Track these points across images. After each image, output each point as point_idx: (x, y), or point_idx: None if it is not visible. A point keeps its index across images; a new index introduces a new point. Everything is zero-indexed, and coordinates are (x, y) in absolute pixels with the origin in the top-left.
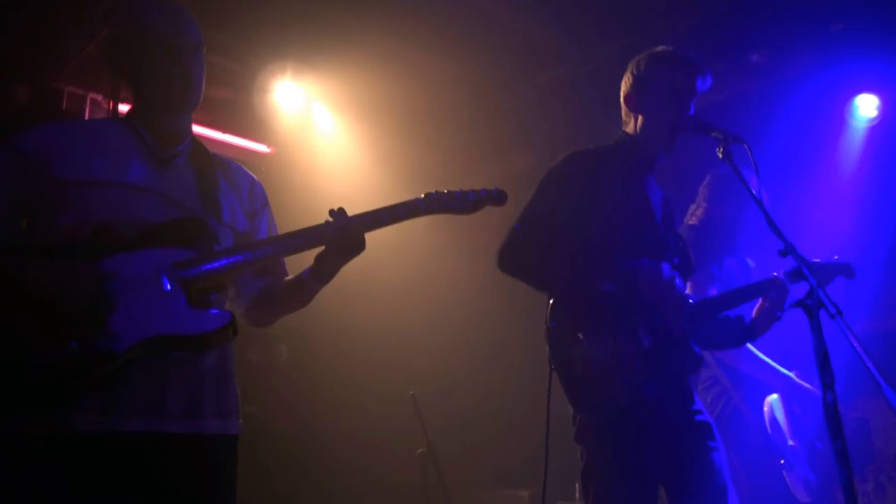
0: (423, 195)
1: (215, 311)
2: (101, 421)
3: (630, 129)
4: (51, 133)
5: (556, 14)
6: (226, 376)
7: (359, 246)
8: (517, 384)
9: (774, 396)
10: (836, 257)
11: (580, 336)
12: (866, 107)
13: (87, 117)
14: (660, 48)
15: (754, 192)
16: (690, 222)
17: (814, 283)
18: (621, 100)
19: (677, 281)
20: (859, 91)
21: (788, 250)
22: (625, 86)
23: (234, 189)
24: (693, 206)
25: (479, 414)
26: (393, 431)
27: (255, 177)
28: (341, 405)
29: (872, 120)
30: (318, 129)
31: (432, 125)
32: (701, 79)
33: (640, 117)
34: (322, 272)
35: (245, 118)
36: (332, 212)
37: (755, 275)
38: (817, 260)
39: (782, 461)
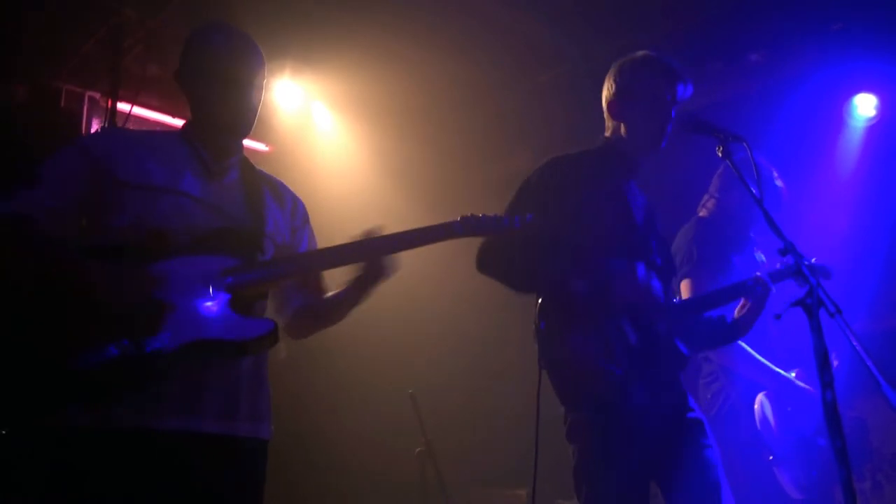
0: (459, 218)
1: (258, 319)
2: (140, 418)
3: (611, 134)
4: (116, 137)
5: (556, 14)
6: (260, 381)
7: (388, 272)
8: (515, 383)
9: (765, 393)
10: (813, 259)
11: (567, 334)
12: (865, 106)
13: (84, 116)
14: (641, 54)
15: (754, 190)
16: (701, 214)
17: (813, 282)
18: (603, 105)
19: (654, 282)
20: (858, 91)
21: (788, 249)
22: (607, 92)
23: (278, 204)
24: (705, 198)
25: (477, 412)
26: (391, 430)
27: (297, 195)
28: (339, 404)
29: (871, 119)
30: (317, 128)
31: (431, 124)
32: (682, 86)
33: (621, 124)
34: (355, 296)
35: None
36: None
37: (766, 269)
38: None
39: (770, 457)
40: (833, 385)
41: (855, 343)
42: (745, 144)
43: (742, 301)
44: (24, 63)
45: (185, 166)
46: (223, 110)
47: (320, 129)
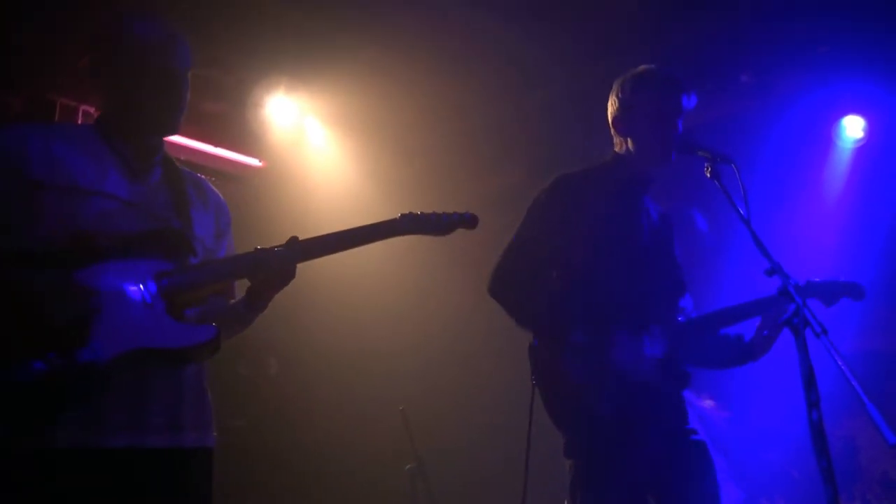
0: (399, 215)
1: (198, 326)
2: (82, 436)
3: (620, 149)
4: (32, 133)
5: (545, 34)
6: (201, 389)
7: (286, 279)
8: (507, 399)
9: None
10: (840, 279)
11: (561, 353)
12: (853, 128)
13: None
14: (642, 68)
15: (742, 212)
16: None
17: (799, 302)
18: (609, 122)
19: (655, 346)
20: (846, 112)
21: (775, 270)
22: (611, 108)
23: (204, 205)
24: None
25: (468, 428)
26: (382, 446)
27: (221, 196)
28: (330, 419)
29: (859, 141)
30: (310, 144)
31: (422, 141)
32: (686, 96)
33: (629, 139)
34: (259, 304)
35: (238, 132)
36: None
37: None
38: (817, 280)
39: None
40: (819, 404)
41: (841, 363)
42: (733, 166)
43: (760, 321)
44: (19, 75)
45: (108, 166)
46: (153, 108)
47: (314, 144)
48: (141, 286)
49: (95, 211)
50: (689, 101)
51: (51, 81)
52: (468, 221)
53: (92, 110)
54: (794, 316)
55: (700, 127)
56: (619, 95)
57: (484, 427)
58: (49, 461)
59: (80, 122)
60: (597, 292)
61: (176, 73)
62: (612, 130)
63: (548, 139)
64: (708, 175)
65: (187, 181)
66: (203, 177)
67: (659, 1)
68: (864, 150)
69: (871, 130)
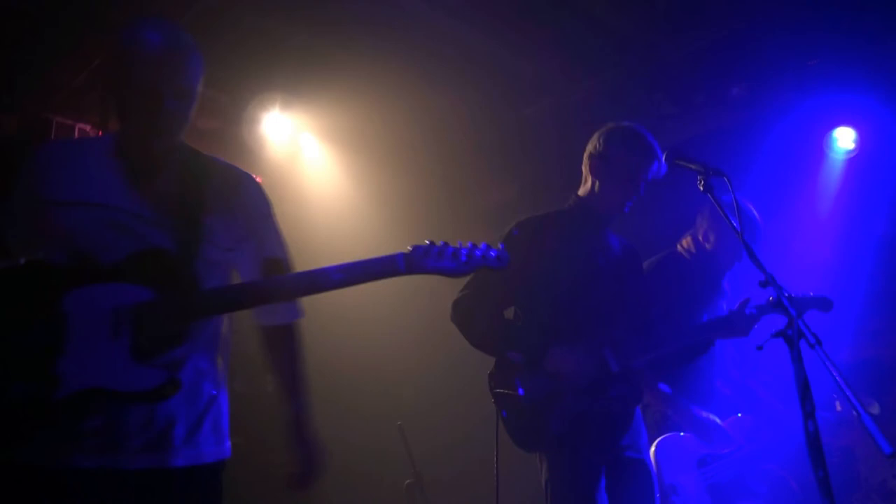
0: (409, 247)
1: (151, 369)
2: (56, 457)
3: (584, 190)
4: (42, 153)
5: (540, 48)
6: (201, 397)
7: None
8: None
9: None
10: (811, 293)
11: (516, 378)
12: (844, 139)
13: None
14: (629, 127)
15: (735, 224)
16: (679, 251)
17: (793, 313)
18: (585, 156)
19: (603, 353)
20: (837, 124)
21: (769, 281)
22: (591, 147)
23: (226, 204)
24: (698, 232)
25: (467, 444)
26: (380, 462)
27: (256, 188)
28: (328, 435)
29: (850, 152)
30: (305, 160)
31: (418, 155)
32: (657, 165)
33: (596, 182)
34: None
35: (233, 148)
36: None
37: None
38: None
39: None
40: (815, 415)
41: (835, 374)
42: (725, 179)
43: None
44: (14, 94)
45: (114, 175)
46: (137, 117)
47: (309, 160)
48: (114, 317)
49: (92, 225)
50: (660, 171)
51: (46, 100)
52: (495, 261)
53: (88, 128)
54: (788, 327)
55: (692, 140)
56: (601, 142)
57: (482, 442)
58: (23, 478)
59: None
60: (544, 321)
61: (157, 85)
62: (585, 165)
63: (541, 156)
64: (701, 188)
65: (210, 179)
66: (236, 167)
67: (650, 16)
68: (856, 161)
69: (862, 142)
